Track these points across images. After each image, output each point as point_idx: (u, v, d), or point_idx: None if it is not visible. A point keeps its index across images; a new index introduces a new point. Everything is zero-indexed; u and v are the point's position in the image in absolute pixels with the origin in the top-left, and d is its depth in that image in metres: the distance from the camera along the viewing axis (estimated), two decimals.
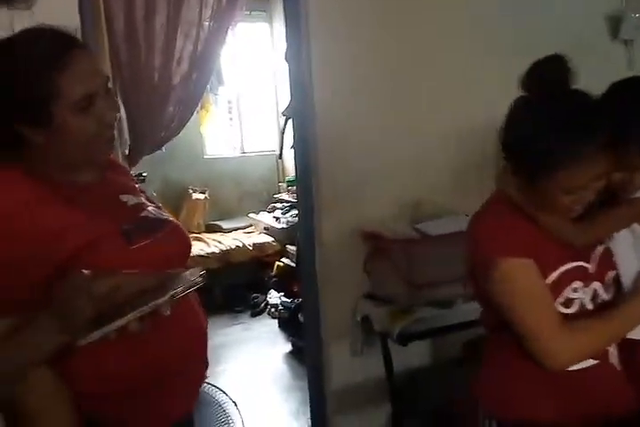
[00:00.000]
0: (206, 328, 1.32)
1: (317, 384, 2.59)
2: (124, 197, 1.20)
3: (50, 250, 1.03)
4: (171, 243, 1.21)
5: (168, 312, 0.69)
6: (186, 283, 0.73)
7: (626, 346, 1.28)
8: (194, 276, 0.74)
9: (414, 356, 2.55)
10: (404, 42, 2.44)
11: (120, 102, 2.51)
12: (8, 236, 1.00)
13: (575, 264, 1.21)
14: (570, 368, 1.19)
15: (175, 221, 1.27)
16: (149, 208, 1.23)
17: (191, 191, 5.17)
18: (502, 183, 1.24)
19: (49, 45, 1.04)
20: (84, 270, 0.72)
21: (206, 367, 1.35)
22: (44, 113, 1.02)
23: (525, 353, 1.19)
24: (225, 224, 5.18)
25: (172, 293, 0.71)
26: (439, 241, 2.13)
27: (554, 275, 1.19)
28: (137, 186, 1.29)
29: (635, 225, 1.25)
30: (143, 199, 1.25)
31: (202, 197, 5.17)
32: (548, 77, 1.14)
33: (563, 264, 1.20)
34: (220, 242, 4.76)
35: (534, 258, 1.17)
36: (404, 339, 2.17)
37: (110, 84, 1.11)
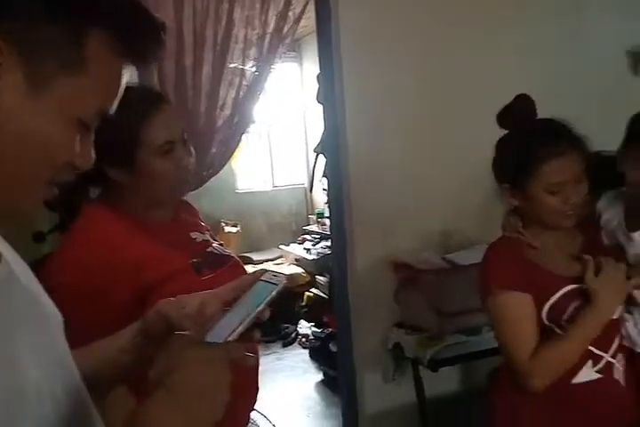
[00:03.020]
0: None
1: (351, 412, 2.65)
2: (194, 235, 1.34)
3: (131, 279, 1.15)
4: (232, 276, 1.34)
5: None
6: (273, 287, 0.71)
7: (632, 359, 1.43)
8: (273, 280, 0.70)
9: (445, 382, 2.61)
10: (438, 80, 2.55)
11: None
12: (102, 262, 1.14)
13: (573, 287, 1.36)
14: (574, 381, 1.34)
15: (235, 256, 1.40)
16: (214, 244, 1.36)
17: (223, 224, 5.31)
18: (506, 228, 1.46)
19: (140, 100, 1.17)
20: (170, 298, 0.76)
21: (257, 393, 1.41)
22: (129, 157, 1.17)
23: None
24: (256, 256, 5.31)
25: (268, 299, 0.71)
26: (468, 270, 2.21)
27: (554, 298, 1.35)
28: (203, 224, 1.43)
29: None
30: (208, 236, 1.38)
31: (234, 230, 5.31)
32: (518, 114, 1.39)
33: (561, 288, 1.35)
34: None
35: (531, 290, 1.34)
36: (435, 364, 2.25)
37: (185, 135, 1.26)
